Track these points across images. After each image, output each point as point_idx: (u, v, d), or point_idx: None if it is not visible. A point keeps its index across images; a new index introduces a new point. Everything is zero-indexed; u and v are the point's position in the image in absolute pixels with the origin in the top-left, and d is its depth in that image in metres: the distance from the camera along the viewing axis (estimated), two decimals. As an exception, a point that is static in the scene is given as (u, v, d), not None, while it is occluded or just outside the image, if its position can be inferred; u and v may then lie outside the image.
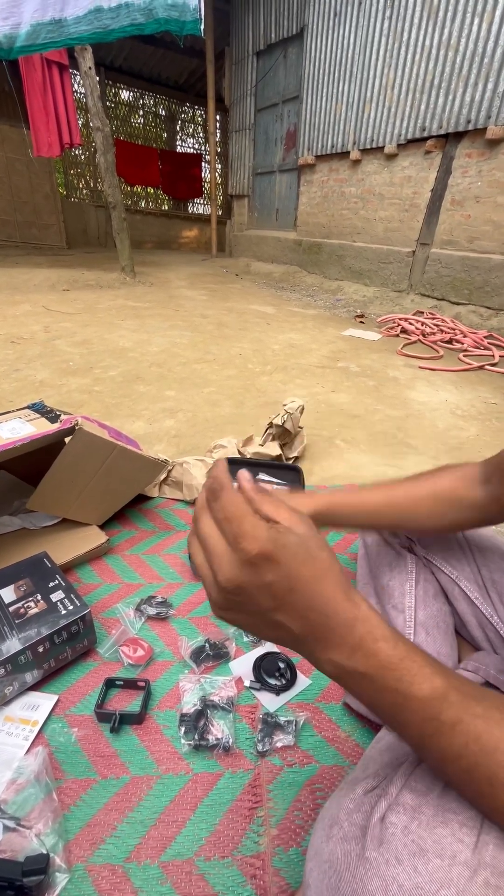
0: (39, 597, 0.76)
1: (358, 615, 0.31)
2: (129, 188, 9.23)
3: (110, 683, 0.72)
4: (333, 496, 0.66)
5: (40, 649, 0.69)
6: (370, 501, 0.65)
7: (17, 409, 1.05)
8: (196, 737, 0.65)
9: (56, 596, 0.77)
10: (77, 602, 0.76)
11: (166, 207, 10.04)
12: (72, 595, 0.77)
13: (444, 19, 3.47)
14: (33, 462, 1.04)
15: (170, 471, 1.26)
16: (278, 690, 0.73)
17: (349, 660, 0.30)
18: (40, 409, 1.05)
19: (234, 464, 1.26)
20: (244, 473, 0.33)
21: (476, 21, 3.25)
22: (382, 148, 4.26)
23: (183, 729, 0.66)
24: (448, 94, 3.55)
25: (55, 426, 0.95)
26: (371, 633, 0.30)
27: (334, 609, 0.30)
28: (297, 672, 0.77)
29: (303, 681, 0.76)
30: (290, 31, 5.29)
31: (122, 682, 0.72)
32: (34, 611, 0.73)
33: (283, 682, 0.75)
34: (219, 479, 0.32)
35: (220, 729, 0.66)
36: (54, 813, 0.55)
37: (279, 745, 0.65)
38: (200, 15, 2.27)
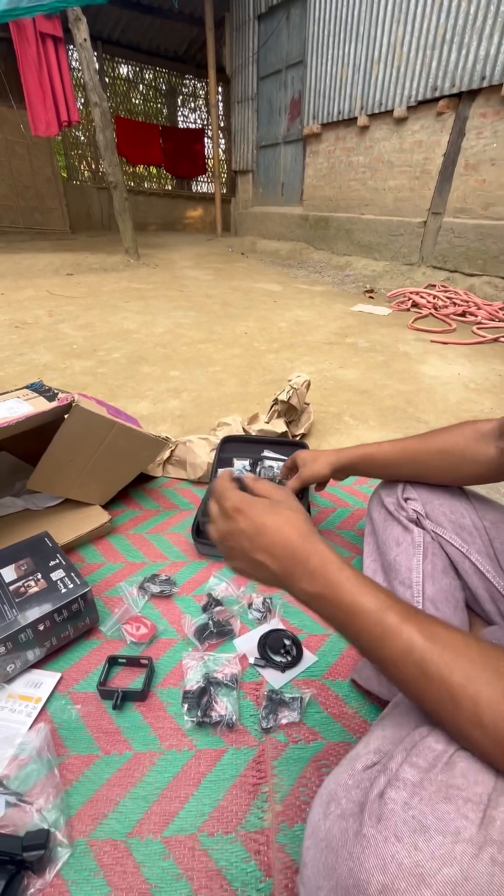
0: (40, 576, 0.75)
1: (314, 550, 0.38)
2: (131, 169, 9.03)
3: (113, 661, 0.71)
4: (356, 450, 0.80)
5: (41, 627, 0.69)
6: (387, 454, 0.75)
7: (16, 390, 1.03)
8: (199, 713, 0.64)
9: (56, 575, 0.76)
10: (77, 580, 0.74)
11: (170, 187, 9.82)
12: (72, 574, 0.76)
13: (457, -34, 3.24)
14: (35, 443, 1.02)
15: (173, 450, 1.24)
16: (283, 667, 0.72)
17: (310, 585, 0.38)
18: (38, 389, 1.03)
19: (239, 441, 1.23)
20: (246, 476, 0.48)
21: (491, -35, 3.03)
22: (391, 112, 4.06)
23: (186, 706, 0.65)
24: (461, 48, 3.34)
25: (52, 404, 0.92)
26: (323, 562, 0.38)
27: (293, 547, 0.39)
28: (304, 649, 0.75)
29: (309, 657, 0.74)
30: (293, -9, 5.02)
31: (124, 660, 0.72)
32: (34, 589, 0.72)
33: (289, 658, 0.73)
34: (219, 478, 0.48)
35: (223, 706, 0.65)
36: (56, 788, 0.55)
37: (284, 721, 0.64)
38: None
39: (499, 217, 3.39)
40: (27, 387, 1.05)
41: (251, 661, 0.73)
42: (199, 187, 10.16)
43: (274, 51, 5.72)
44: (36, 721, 0.63)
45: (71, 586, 0.73)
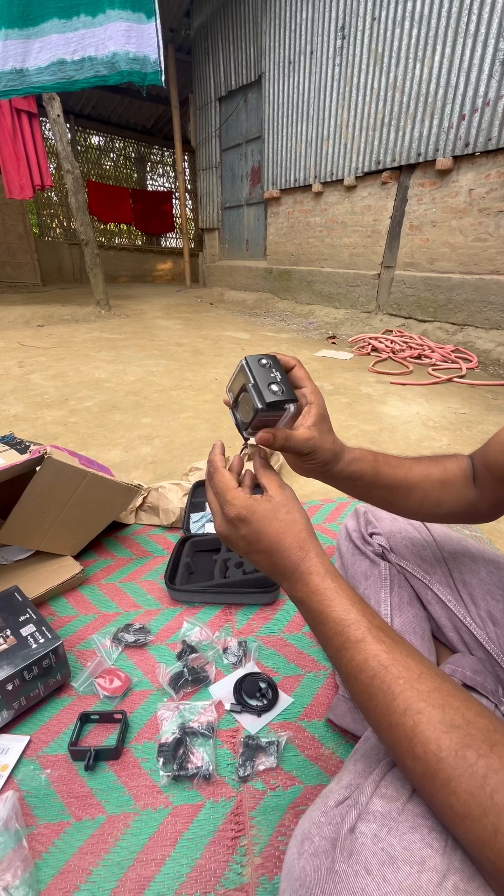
0: (9, 632, 0.74)
1: (303, 558, 0.41)
2: (102, 226, 9.46)
3: (85, 718, 0.69)
4: (365, 465, 0.59)
5: (9, 687, 0.67)
6: (392, 479, 0.59)
7: (-14, 443, 1.03)
8: (175, 767, 0.63)
9: (27, 630, 0.74)
10: (49, 634, 0.73)
11: (140, 242, 10.30)
12: (43, 628, 0.75)
13: (389, 64, 3.75)
14: (4, 496, 1.02)
15: (145, 497, 1.25)
16: (260, 711, 0.72)
17: (293, 589, 0.41)
18: (10, 441, 1.05)
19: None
20: (257, 460, 0.46)
21: (418, 66, 3.52)
22: (342, 180, 4.50)
23: (161, 760, 0.64)
24: (398, 130, 3.80)
25: (24, 457, 0.94)
26: (308, 571, 0.41)
27: (287, 555, 0.42)
28: (279, 691, 0.75)
29: (284, 699, 0.74)
30: (249, 79, 5.62)
31: (97, 716, 0.70)
32: (3, 647, 0.71)
33: (265, 702, 0.73)
34: (212, 462, 0.46)
35: (199, 756, 0.64)
36: (24, 862, 0.52)
37: (261, 768, 0.63)
38: (161, 67, 2.41)
39: (443, 270, 3.73)
40: (-2, 440, 1.06)
41: (227, 707, 0.72)
42: (168, 243, 10.70)
43: (234, 127, 6.30)
44: (2, 790, 0.60)
45: (42, 641, 0.72)
